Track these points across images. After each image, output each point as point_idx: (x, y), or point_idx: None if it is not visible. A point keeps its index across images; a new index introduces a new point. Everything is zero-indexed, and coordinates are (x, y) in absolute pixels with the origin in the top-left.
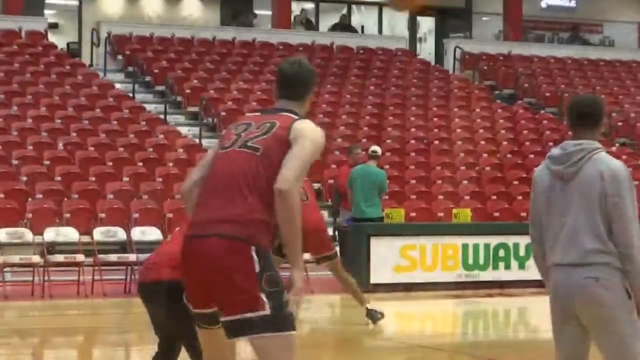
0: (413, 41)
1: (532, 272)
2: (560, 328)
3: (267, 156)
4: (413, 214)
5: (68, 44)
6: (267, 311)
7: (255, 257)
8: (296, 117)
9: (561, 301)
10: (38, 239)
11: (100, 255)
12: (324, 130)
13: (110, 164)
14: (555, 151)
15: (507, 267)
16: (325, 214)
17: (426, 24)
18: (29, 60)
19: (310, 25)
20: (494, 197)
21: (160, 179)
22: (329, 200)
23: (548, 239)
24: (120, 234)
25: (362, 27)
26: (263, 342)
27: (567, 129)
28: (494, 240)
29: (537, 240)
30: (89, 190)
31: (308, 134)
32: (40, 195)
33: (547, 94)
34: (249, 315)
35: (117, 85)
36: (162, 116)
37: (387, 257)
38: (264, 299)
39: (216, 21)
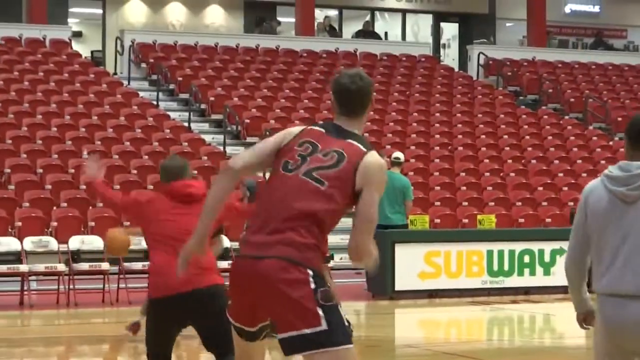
0: (437, 47)
1: (557, 278)
2: None
3: (331, 192)
4: (437, 221)
5: (92, 53)
6: (324, 326)
7: (311, 275)
8: (364, 148)
9: (615, 337)
10: (63, 247)
11: (126, 264)
12: None
13: (135, 172)
14: (615, 171)
15: (532, 273)
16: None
17: (450, 30)
18: (53, 69)
19: (333, 32)
20: (519, 203)
21: None
22: None
23: (599, 264)
24: (145, 241)
25: (386, 33)
26: (321, 357)
27: (591, 134)
28: (518, 247)
29: (578, 264)
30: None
31: (376, 179)
32: (65, 204)
33: (572, 100)
34: (306, 331)
35: (141, 94)
36: (186, 124)
37: (411, 264)
38: (320, 313)
39: (240, 28)
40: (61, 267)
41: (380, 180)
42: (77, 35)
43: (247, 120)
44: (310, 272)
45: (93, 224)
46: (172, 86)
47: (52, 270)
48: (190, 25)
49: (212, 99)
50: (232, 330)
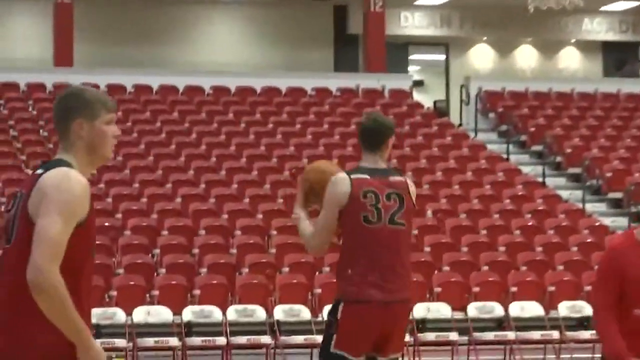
0: None
1: None
2: None
3: (409, 229)
4: None
5: (434, 103)
6: None
7: None
8: (404, 178)
9: None
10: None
11: (476, 334)
12: None
13: (484, 232)
14: None
15: None
16: None
17: None
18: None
19: None
20: None
21: (541, 249)
22: None
23: None
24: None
25: None
26: None
27: None
28: None
29: None
30: (460, 261)
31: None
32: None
33: None
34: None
35: (489, 146)
36: (540, 179)
37: None
38: None
39: (598, 72)
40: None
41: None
42: (419, 84)
43: (609, 174)
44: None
45: (439, 289)
46: (523, 137)
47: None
48: (543, 71)
49: (568, 150)
50: None
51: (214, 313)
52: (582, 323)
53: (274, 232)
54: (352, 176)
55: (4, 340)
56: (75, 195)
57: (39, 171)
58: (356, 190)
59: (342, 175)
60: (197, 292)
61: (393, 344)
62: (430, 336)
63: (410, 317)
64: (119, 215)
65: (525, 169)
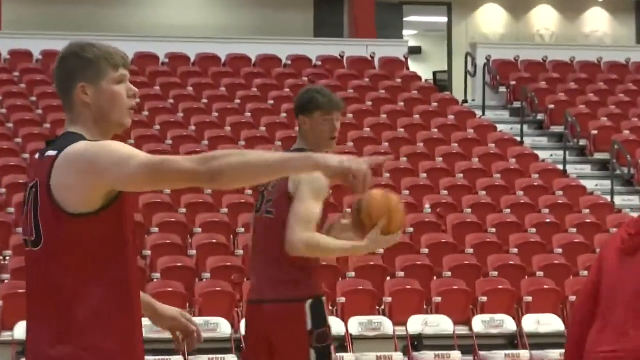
0: None
1: None
2: None
3: (279, 219)
4: None
5: (434, 74)
6: None
7: None
8: None
9: None
10: (400, 330)
11: (483, 353)
12: None
13: (493, 230)
14: None
15: None
16: None
17: None
18: (384, 96)
19: None
20: None
21: (560, 250)
22: None
23: None
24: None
25: None
26: None
27: None
28: None
29: None
30: (464, 265)
31: None
32: (402, 273)
33: None
34: None
35: (500, 127)
36: (560, 167)
37: None
38: None
39: (631, 38)
40: (398, 356)
41: None
42: (415, 51)
43: None
44: None
45: (439, 299)
46: (540, 116)
47: None
48: (564, 35)
49: (594, 132)
50: None
51: None
52: None
53: (242, 230)
54: None
55: (71, 348)
56: None
57: (51, 153)
58: None
59: None
60: None
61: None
62: (429, 356)
63: (405, 331)
64: None
65: (543, 155)
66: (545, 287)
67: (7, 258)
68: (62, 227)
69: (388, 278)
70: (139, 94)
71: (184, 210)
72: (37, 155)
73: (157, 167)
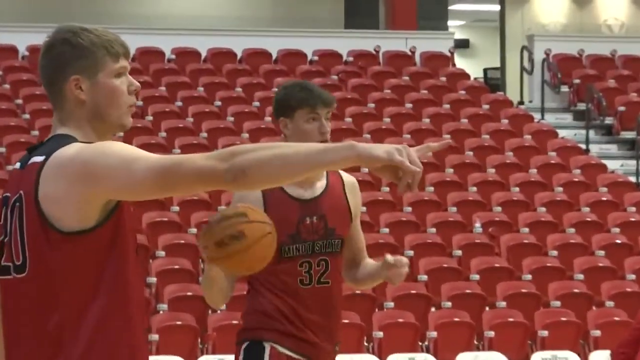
0: None
1: None
2: None
3: None
4: None
5: (485, 71)
6: None
7: None
8: None
9: None
10: None
11: None
12: None
13: (555, 253)
14: None
15: None
16: None
17: None
18: (426, 97)
19: None
20: None
21: (634, 276)
22: None
23: None
24: None
25: None
26: None
27: None
28: None
29: None
30: (520, 294)
31: None
32: (449, 303)
33: None
34: None
35: (562, 132)
36: (632, 178)
37: None
38: None
39: None
40: None
41: None
42: (463, 45)
43: None
44: None
45: (492, 333)
46: (609, 120)
47: None
48: (636, 26)
49: None
50: None
51: None
52: None
53: None
54: None
55: None
56: None
57: (36, 159)
58: None
59: None
60: (154, 337)
61: None
62: None
63: None
64: None
65: (612, 165)
66: (616, 318)
67: None
68: (53, 249)
69: (432, 309)
70: (140, 90)
71: (194, 230)
72: (17, 165)
73: (169, 169)
